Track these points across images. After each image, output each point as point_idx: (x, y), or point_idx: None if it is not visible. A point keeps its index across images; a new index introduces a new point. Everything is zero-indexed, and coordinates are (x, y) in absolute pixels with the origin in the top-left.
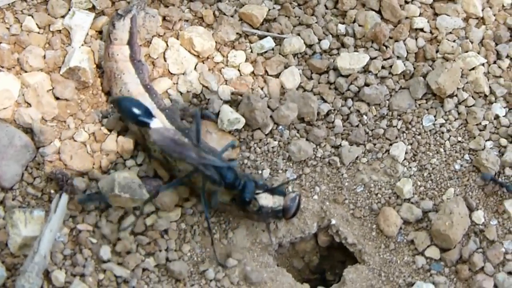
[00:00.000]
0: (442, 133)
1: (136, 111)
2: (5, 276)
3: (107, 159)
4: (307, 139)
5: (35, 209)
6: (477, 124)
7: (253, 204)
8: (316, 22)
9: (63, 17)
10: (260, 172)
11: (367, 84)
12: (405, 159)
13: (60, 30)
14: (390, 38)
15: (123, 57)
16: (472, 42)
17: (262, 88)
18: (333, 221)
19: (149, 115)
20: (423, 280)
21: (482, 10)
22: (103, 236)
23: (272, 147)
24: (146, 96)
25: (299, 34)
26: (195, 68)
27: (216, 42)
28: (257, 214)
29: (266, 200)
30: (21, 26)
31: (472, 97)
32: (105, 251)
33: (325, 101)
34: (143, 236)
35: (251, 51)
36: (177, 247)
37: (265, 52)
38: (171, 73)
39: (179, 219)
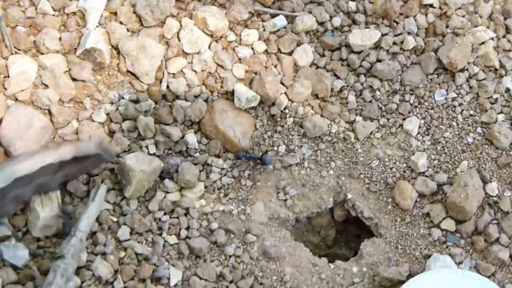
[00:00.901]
0: (454, 107)
1: None
2: (28, 258)
3: (125, 139)
4: (321, 115)
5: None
6: (488, 98)
7: None
8: (327, 0)
9: None
10: (276, 148)
11: (379, 60)
12: (418, 133)
13: (75, 12)
14: (401, 14)
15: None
16: (481, 17)
17: (275, 66)
18: (349, 196)
19: None
20: (440, 252)
21: None
22: (123, 214)
23: (288, 124)
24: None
25: (310, 12)
26: (209, 47)
27: (229, 21)
28: None
29: None
30: (36, 9)
31: (483, 71)
32: (124, 230)
33: (338, 78)
34: (165, 216)
35: (264, 30)
36: (197, 224)
37: (278, 30)
38: (186, 53)
39: (199, 196)
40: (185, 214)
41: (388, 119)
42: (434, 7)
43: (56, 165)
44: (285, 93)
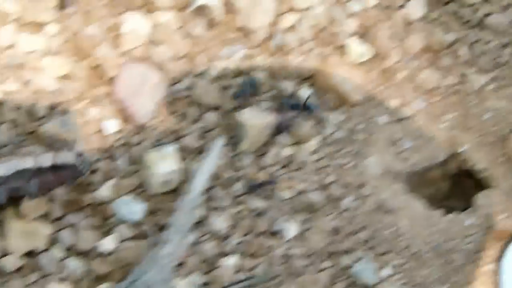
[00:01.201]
0: None
1: None
2: (144, 214)
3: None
4: (434, 69)
5: (164, 145)
6: None
7: None
8: None
9: None
10: (388, 102)
11: (490, 13)
12: None
13: None
14: None
15: None
16: None
17: (387, 20)
18: (462, 149)
19: None
20: None
21: None
22: (238, 169)
23: (400, 78)
24: None
25: None
26: (321, 2)
27: None
28: None
29: None
30: None
31: None
32: (240, 185)
33: (449, 31)
34: (281, 170)
35: None
36: (313, 178)
37: None
38: (297, 9)
39: (314, 150)
40: (300, 168)
41: (500, 72)
42: None
43: (32, 171)
44: (397, 47)
